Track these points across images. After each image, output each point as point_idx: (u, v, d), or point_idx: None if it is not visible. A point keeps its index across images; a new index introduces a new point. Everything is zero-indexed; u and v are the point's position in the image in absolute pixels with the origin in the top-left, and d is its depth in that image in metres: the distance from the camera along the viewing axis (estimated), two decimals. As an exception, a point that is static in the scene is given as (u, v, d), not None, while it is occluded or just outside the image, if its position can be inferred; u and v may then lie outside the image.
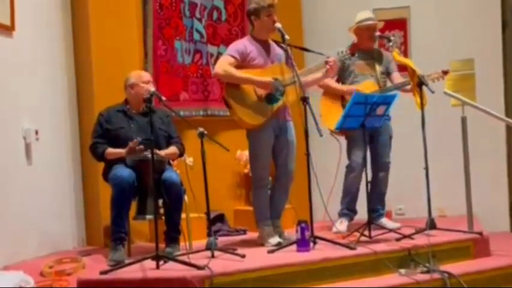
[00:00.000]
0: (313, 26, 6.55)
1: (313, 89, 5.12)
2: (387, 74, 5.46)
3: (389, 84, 5.43)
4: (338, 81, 5.41)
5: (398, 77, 5.43)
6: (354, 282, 4.16)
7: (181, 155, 4.83)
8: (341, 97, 5.35)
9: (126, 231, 4.44)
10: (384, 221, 5.34)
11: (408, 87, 5.19)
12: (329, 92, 5.38)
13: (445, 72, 5.11)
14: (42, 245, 4.94)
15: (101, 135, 4.67)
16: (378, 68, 5.40)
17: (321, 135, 4.36)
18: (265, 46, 4.83)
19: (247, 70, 4.70)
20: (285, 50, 4.75)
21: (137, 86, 4.71)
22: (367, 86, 5.27)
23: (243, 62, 4.72)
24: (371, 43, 5.41)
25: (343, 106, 5.27)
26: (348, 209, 5.43)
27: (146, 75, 4.82)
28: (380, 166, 5.36)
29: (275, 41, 4.86)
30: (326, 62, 4.74)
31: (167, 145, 4.75)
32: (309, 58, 5.43)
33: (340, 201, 5.41)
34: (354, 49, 5.09)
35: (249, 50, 4.75)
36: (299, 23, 6.47)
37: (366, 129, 4.84)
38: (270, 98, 4.71)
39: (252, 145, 4.83)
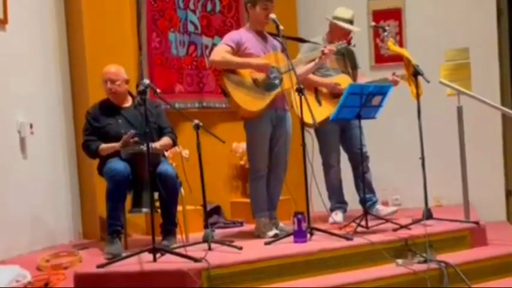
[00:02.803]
0: (307, 15, 6.53)
1: None
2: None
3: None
4: None
5: (361, 73, 5.44)
6: (351, 272, 4.16)
7: (174, 144, 4.82)
8: (314, 90, 5.30)
9: (122, 224, 4.43)
10: (380, 207, 5.34)
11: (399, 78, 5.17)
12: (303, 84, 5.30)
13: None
14: (38, 239, 4.94)
15: (91, 133, 4.65)
16: (348, 64, 5.41)
17: (316, 126, 4.36)
18: (261, 36, 4.82)
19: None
20: (281, 43, 4.74)
21: (104, 84, 4.69)
22: (343, 80, 5.24)
23: (238, 51, 4.71)
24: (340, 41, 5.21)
25: (317, 99, 5.25)
26: (339, 202, 5.44)
27: (107, 73, 4.69)
28: (358, 157, 5.18)
29: (271, 33, 4.83)
30: (322, 52, 4.74)
31: (159, 136, 4.73)
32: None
33: (328, 198, 5.37)
34: (329, 40, 5.08)
35: (244, 39, 4.74)
36: (293, 12, 6.45)
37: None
38: (268, 85, 4.69)
39: (250, 135, 4.82)
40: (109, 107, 4.72)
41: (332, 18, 5.34)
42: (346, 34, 5.30)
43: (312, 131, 4.90)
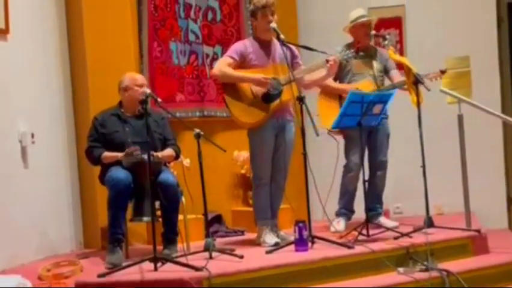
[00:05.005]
0: (307, 22, 6.54)
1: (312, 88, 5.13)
2: (385, 72, 5.46)
3: (387, 82, 5.44)
4: (335, 80, 5.40)
5: (397, 74, 5.44)
6: (352, 281, 4.16)
7: (177, 157, 4.82)
8: (338, 96, 5.35)
9: (123, 233, 4.43)
10: (382, 220, 5.34)
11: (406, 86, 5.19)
12: (326, 92, 5.36)
13: (443, 72, 5.11)
14: (39, 249, 4.93)
15: (96, 139, 4.65)
16: (376, 66, 5.41)
17: (317, 135, 4.36)
18: (267, 46, 4.84)
19: (247, 70, 4.73)
20: (291, 50, 4.76)
21: (131, 89, 4.69)
22: (365, 85, 5.26)
23: (243, 63, 4.75)
24: (367, 41, 5.38)
25: (341, 105, 5.26)
26: (346, 209, 5.43)
27: (141, 78, 4.78)
28: (378, 165, 5.35)
29: (281, 40, 4.73)
30: (327, 61, 4.75)
31: (163, 148, 4.73)
32: (306, 56, 5.41)
33: (338, 201, 5.40)
34: (354, 48, 5.10)
35: (249, 50, 4.78)
36: (294, 19, 6.45)
37: (364, 128, 4.85)
38: (267, 97, 4.71)
39: (253, 144, 4.85)
40: (117, 115, 4.73)
41: (350, 23, 5.37)
42: (367, 33, 5.36)
43: (338, 136, 4.93)
